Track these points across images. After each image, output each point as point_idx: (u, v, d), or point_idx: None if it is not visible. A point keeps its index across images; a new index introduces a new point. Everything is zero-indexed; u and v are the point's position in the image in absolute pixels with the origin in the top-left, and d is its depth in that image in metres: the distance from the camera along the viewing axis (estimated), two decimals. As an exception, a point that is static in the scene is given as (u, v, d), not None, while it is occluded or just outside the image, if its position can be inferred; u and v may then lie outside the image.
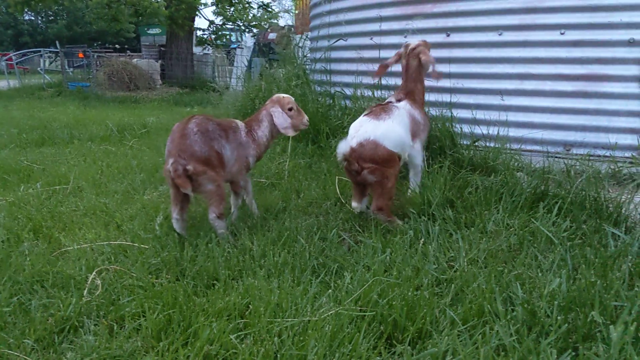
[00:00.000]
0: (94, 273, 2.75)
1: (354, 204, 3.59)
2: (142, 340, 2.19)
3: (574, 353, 2.07)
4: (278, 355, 2.04)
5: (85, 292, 2.58)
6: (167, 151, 3.23)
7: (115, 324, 2.34)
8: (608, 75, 4.65)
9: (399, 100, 3.83)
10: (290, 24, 24.96)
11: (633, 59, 4.54)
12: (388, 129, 3.45)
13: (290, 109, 3.64)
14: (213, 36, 24.52)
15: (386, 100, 3.92)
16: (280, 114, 3.58)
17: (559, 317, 2.20)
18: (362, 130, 3.43)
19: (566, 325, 2.17)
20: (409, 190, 3.85)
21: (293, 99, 3.72)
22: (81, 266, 2.87)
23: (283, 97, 3.70)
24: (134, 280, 2.69)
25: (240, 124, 3.56)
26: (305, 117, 3.73)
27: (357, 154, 3.37)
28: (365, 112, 3.65)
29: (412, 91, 3.92)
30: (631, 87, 4.58)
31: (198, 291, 2.61)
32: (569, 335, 2.18)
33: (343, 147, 3.41)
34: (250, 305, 2.41)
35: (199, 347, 2.06)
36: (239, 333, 2.21)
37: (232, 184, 3.58)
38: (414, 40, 4.05)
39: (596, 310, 2.22)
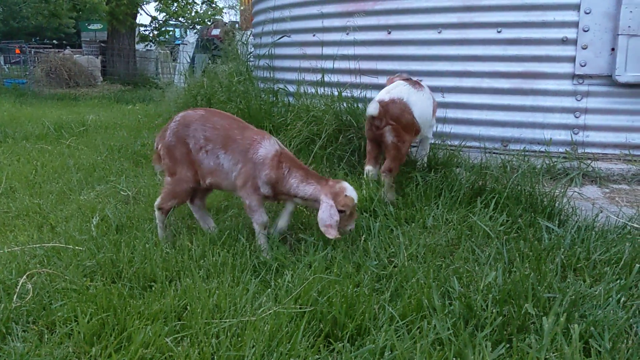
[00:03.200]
0: (24, 277, 2.64)
1: (368, 167, 3.82)
2: (73, 346, 2.11)
3: (508, 345, 2.12)
4: (215, 357, 2.01)
5: (15, 297, 2.48)
6: None
7: (46, 330, 2.26)
8: (543, 72, 4.78)
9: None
10: (235, 20, 24.73)
11: (566, 57, 4.68)
12: (419, 99, 3.75)
13: (342, 211, 2.98)
14: (156, 32, 24.04)
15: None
16: (327, 208, 2.93)
17: (494, 310, 2.25)
18: (397, 90, 3.71)
19: (501, 317, 2.22)
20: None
21: (356, 201, 3.06)
22: (11, 270, 2.75)
23: (346, 195, 3.00)
24: (67, 284, 2.59)
25: (267, 144, 3.08)
26: (352, 225, 3.11)
27: (385, 110, 3.60)
28: (399, 79, 3.92)
29: None
30: (565, 85, 4.73)
31: (134, 293, 2.54)
32: (504, 327, 2.22)
33: (373, 107, 3.59)
34: (188, 307, 2.36)
35: (133, 351, 2.01)
36: (176, 335, 2.17)
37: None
38: None
39: (530, 302, 2.28)
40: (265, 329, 2.13)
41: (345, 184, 3.05)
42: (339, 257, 2.83)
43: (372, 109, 3.60)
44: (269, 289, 2.51)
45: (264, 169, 3.04)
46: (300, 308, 2.33)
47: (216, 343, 2.08)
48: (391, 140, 3.63)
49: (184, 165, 3.14)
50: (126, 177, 4.60)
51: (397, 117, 3.62)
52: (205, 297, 2.38)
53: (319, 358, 2.05)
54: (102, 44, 20.76)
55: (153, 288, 2.57)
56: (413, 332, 2.16)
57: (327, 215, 2.90)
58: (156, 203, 3.21)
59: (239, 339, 2.10)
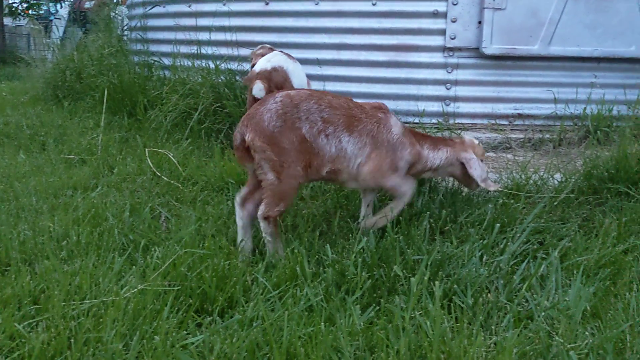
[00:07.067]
0: None
1: None
2: None
3: (377, 307, 2.15)
4: (72, 340, 1.88)
5: None
6: None
7: None
8: (416, 45, 4.89)
9: None
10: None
11: (437, 29, 4.81)
12: (297, 69, 3.69)
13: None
14: (25, 5, 22.35)
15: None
16: (477, 163, 2.80)
17: (365, 274, 2.27)
18: (277, 59, 3.63)
19: (371, 281, 2.25)
20: None
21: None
22: None
23: (479, 144, 2.95)
24: None
25: (394, 120, 2.72)
26: None
27: (269, 79, 3.51)
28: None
29: None
30: (436, 57, 4.87)
31: (-15, 280, 2.33)
32: (374, 290, 2.26)
33: (258, 89, 3.41)
34: (46, 290, 2.20)
35: (-23, 340, 1.83)
36: (31, 321, 2.01)
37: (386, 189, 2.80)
38: None
39: (398, 264, 2.33)
40: (129, 307, 2.03)
41: (470, 136, 2.99)
42: (212, 231, 2.75)
43: (258, 91, 3.49)
44: (135, 267, 2.39)
45: (405, 147, 2.69)
46: (168, 284, 2.24)
47: (75, 326, 1.95)
48: None
49: (295, 157, 2.51)
50: (-16, 158, 4.23)
51: (281, 85, 3.56)
52: (64, 279, 2.23)
53: (187, 333, 1.97)
54: (-37, 17, 19.01)
55: (6, 273, 2.37)
56: (285, 300, 2.15)
57: (480, 169, 2.80)
58: (261, 212, 2.54)
59: (100, 319, 1.99)
